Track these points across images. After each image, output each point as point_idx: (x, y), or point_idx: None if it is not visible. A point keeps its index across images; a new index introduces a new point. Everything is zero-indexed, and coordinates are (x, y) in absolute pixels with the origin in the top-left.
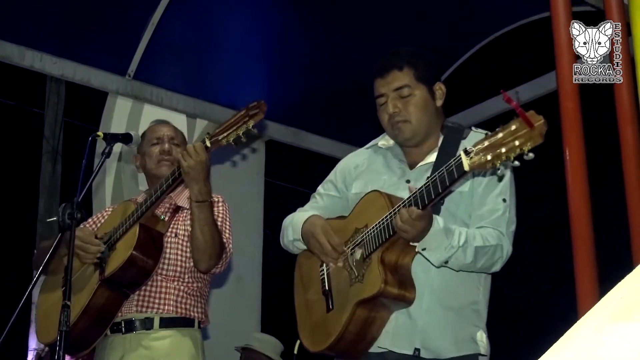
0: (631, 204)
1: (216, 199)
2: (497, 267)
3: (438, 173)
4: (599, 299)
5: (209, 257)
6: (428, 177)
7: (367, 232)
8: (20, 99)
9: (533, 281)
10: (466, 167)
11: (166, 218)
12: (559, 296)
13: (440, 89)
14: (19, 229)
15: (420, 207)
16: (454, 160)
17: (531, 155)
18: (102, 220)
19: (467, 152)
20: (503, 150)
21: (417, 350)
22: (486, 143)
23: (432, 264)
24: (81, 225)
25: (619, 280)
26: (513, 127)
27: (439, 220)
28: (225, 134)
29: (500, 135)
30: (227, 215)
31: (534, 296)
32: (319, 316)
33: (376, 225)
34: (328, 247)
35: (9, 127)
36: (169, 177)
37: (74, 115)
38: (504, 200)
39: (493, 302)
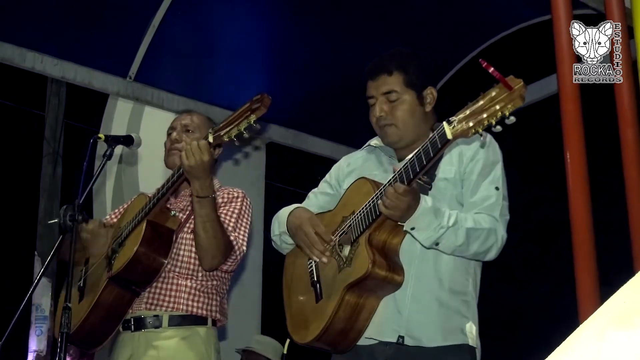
0: (632, 206)
1: (235, 194)
2: (492, 254)
3: (422, 146)
4: (599, 302)
5: (211, 255)
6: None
7: (354, 217)
8: (21, 100)
9: (533, 283)
10: (449, 136)
11: (185, 214)
12: (559, 299)
13: (431, 93)
14: (19, 230)
15: (406, 182)
16: (436, 132)
17: (512, 118)
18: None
19: (449, 122)
20: (484, 115)
21: (400, 337)
22: (467, 111)
23: (422, 245)
24: (107, 217)
25: (620, 283)
26: (493, 94)
27: (427, 199)
28: (227, 129)
29: (480, 102)
30: (246, 212)
31: (533, 298)
32: (308, 308)
33: (362, 208)
34: (314, 237)
35: (9, 128)
36: (174, 173)
37: (75, 117)
38: (497, 188)
39: (492, 304)
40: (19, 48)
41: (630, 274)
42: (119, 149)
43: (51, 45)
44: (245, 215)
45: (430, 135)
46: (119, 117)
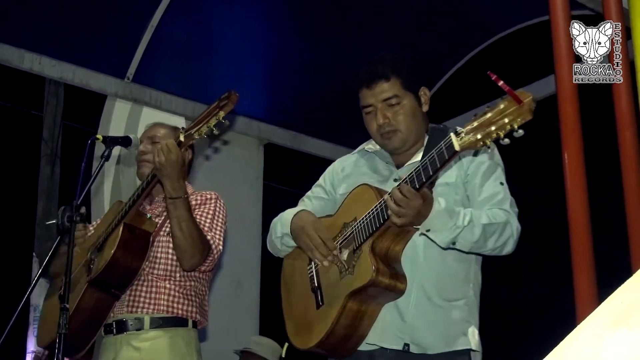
0: (630, 207)
1: (209, 196)
2: (509, 248)
3: (428, 156)
4: (597, 303)
5: (190, 255)
6: (418, 162)
7: (357, 224)
8: (19, 101)
9: (531, 285)
10: (457, 147)
11: (162, 218)
12: (556, 300)
13: (425, 94)
14: (17, 231)
15: None
16: (444, 142)
17: (521, 132)
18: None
19: (457, 133)
20: (493, 128)
21: (406, 345)
22: (475, 123)
23: (439, 246)
24: (93, 223)
25: (618, 284)
26: (502, 106)
27: (440, 201)
28: (197, 127)
29: (489, 114)
30: (221, 213)
31: (531, 300)
32: (308, 314)
33: (366, 215)
34: (318, 240)
35: (7, 129)
36: (148, 175)
37: (73, 118)
38: (502, 183)
39: (490, 305)
40: (17, 49)
41: (628, 275)
42: (117, 150)
43: (49, 46)
44: (220, 216)
45: (437, 147)
46: (117, 118)
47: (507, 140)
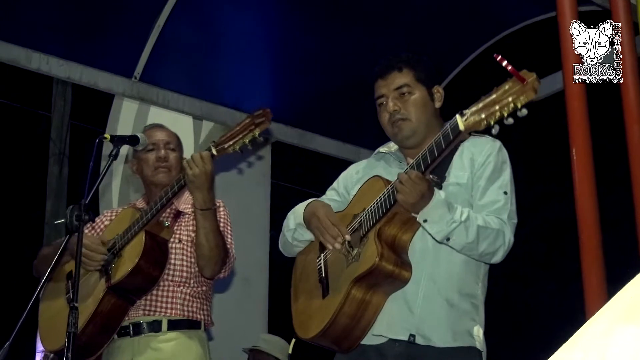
0: (638, 202)
1: (217, 204)
2: (498, 257)
3: (434, 139)
4: (606, 299)
5: (214, 263)
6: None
7: (365, 212)
8: (27, 101)
9: (540, 281)
10: (461, 127)
11: (168, 224)
12: (565, 296)
13: (438, 92)
14: (26, 231)
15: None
16: (449, 124)
17: (524, 111)
18: (102, 227)
19: (462, 114)
20: (496, 107)
21: (412, 336)
22: (481, 104)
23: (434, 239)
24: (100, 216)
25: (627, 280)
26: (506, 87)
27: (440, 193)
28: (231, 142)
29: (494, 95)
30: (228, 220)
31: (540, 296)
32: (314, 304)
33: (374, 203)
34: (327, 222)
35: (15, 129)
36: (174, 184)
37: (81, 118)
38: (505, 192)
39: (499, 302)
40: (25, 49)
41: (636, 271)
42: (124, 149)
43: (57, 46)
44: (228, 223)
45: (443, 129)
46: (124, 117)
47: (510, 120)
